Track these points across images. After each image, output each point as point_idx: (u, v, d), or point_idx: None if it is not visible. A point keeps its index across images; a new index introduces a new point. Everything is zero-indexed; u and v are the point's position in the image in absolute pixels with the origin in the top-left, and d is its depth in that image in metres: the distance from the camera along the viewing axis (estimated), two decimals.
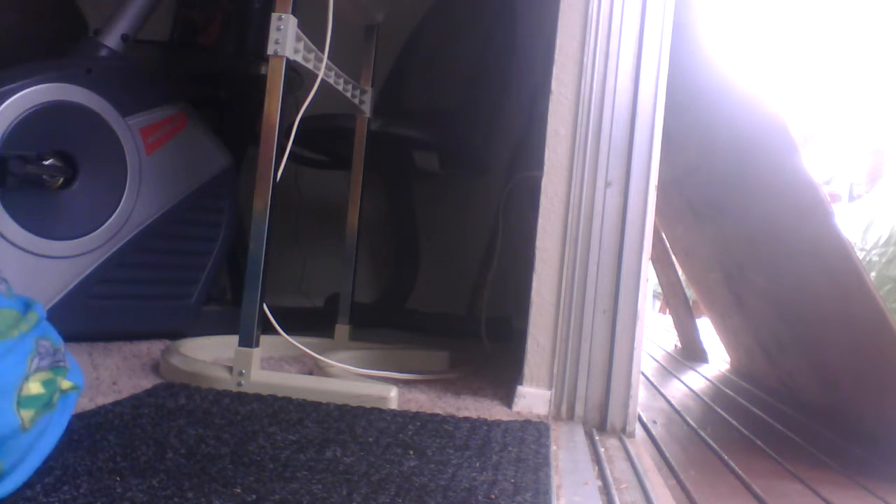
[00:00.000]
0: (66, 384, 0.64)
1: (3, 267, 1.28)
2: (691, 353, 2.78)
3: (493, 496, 0.73)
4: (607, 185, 1.23)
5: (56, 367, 0.64)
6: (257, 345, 1.15)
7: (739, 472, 1.14)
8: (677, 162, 1.93)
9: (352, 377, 1.25)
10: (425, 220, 2.39)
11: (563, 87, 1.26)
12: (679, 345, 2.98)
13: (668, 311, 3.40)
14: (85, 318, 1.43)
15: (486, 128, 2.16)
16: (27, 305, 0.66)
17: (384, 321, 2.09)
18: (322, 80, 1.34)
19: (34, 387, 0.61)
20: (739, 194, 1.80)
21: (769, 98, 1.57)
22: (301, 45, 1.24)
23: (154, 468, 0.71)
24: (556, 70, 1.26)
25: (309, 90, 1.30)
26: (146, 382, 1.12)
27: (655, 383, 1.99)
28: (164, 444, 0.79)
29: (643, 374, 1.77)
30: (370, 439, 0.90)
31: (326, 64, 1.33)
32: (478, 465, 0.83)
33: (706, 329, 2.86)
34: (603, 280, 1.23)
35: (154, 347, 1.43)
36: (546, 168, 1.26)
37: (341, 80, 1.50)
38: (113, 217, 1.46)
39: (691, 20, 1.53)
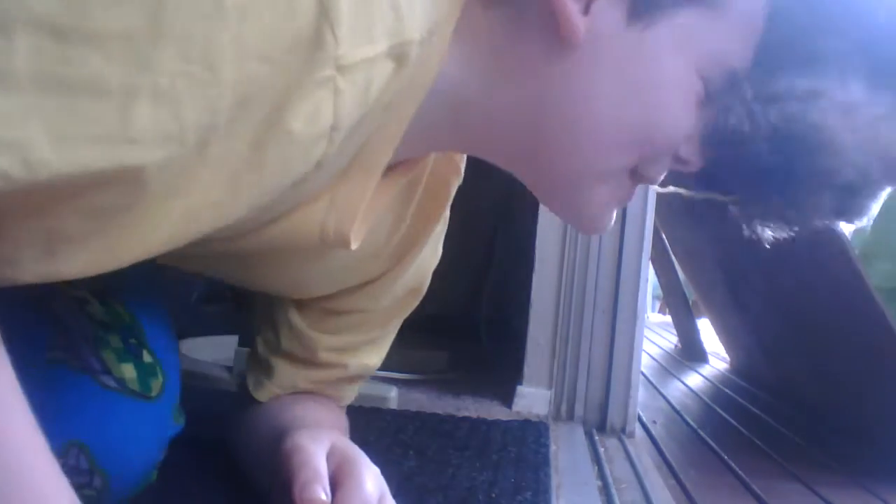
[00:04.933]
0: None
1: None
2: (691, 353, 2.79)
3: (493, 496, 0.73)
4: None
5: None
6: None
7: (739, 472, 1.14)
8: None
9: None
10: None
11: None
12: (679, 345, 2.98)
13: (668, 311, 3.40)
14: None
15: None
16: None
17: None
18: None
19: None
20: None
21: None
22: None
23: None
24: None
25: None
26: None
27: (655, 383, 1.99)
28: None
29: (643, 374, 1.77)
30: (370, 439, 0.90)
31: None
32: (478, 464, 0.83)
33: (706, 329, 2.86)
34: (603, 280, 1.23)
35: None
36: None
37: None
38: None
39: None
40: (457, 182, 0.63)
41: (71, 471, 0.52)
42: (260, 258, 0.56)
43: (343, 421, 0.72)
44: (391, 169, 0.51)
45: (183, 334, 1.48)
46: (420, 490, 0.72)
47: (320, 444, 0.52)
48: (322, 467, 0.50)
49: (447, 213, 0.68)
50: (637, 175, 0.50)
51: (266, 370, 0.69)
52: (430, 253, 0.68)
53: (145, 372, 0.57)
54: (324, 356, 0.67)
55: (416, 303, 0.70)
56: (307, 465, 0.49)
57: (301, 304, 0.66)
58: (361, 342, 0.69)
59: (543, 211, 1.25)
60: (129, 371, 0.56)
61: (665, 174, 0.52)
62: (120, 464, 0.55)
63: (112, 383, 0.55)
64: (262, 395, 0.69)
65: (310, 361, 0.67)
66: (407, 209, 0.61)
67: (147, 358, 0.58)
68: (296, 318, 0.66)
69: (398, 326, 0.72)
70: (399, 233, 0.62)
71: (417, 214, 0.62)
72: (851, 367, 1.48)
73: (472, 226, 2.39)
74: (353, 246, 0.52)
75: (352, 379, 0.72)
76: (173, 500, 0.63)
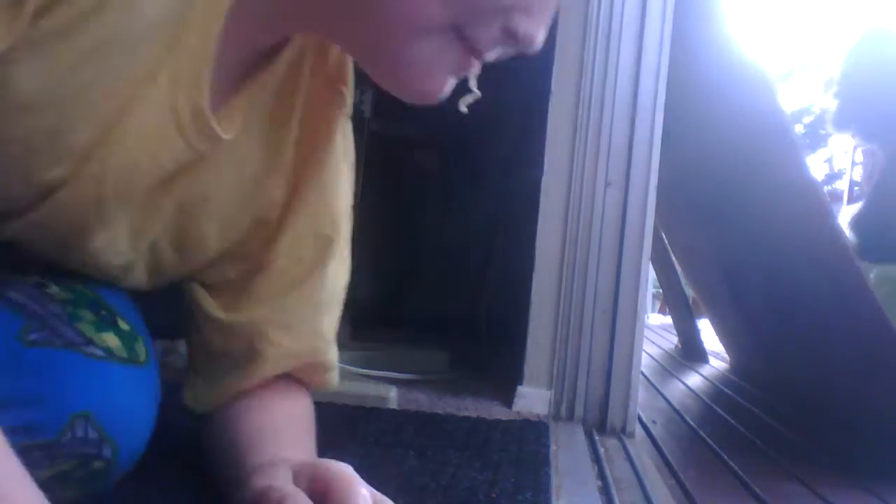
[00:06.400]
0: None
1: None
2: (691, 353, 2.78)
3: (493, 495, 0.73)
4: (607, 185, 1.23)
5: None
6: None
7: (739, 472, 1.14)
8: (677, 162, 1.93)
9: (352, 377, 1.25)
10: (425, 221, 2.39)
11: (563, 86, 1.26)
12: (679, 345, 2.98)
13: (668, 311, 3.40)
14: None
15: (488, 125, 2.16)
16: None
17: (383, 321, 2.09)
18: None
19: None
20: (739, 194, 1.80)
21: (770, 95, 1.57)
22: None
23: (156, 460, 0.71)
24: (555, 70, 1.26)
25: None
26: None
27: (655, 383, 1.99)
28: (161, 441, 0.79)
29: (643, 374, 1.77)
30: (370, 439, 0.90)
31: None
32: (478, 464, 0.83)
33: (706, 329, 2.86)
34: (603, 280, 1.23)
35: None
36: (546, 168, 1.26)
37: None
38: None
39: (691, 20, 1.53)
40: (340, 106, 0.62)
41: (79, 442, 0.52)
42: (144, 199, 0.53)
43: (303, 416, 0.69)
44: (251, 72, 0.53)
45: (177, 334, 1.48)
46: (420, 490, 0.72)
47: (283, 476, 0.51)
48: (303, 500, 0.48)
49: (351, 147, 0.66)
50: (464, 38, 0.47)
51: (209, 386, 0.66)
52: (335, 193, 0.64)
53: (128, 338, 0.56)
54: (273, 336, 0.63)
55: (330, 255, 0.64)
56: None
57: (213, 288, 0.64)
58: (292, 309, 0.65)
59: (543, 211, 1.25)
60: (111, 340, 0.55)
61: (498, 47, 0.49)
62: (126, 430, 0.55)
63: (99, 353, 0.54)
64: (201, 407, 0.66)
65: (251, 352, 0.63)
66: (289, 118, 0.59)
67: (124, 325, 0.57)
68: (215, 310, 0.64)
69: (325, 286, 0.65)
70: (287, 147, 0.60)
71: (306, 137, 0.61)
72: (851, 367, 1.48)
73: (472, 226, 2.39)
74: (224, 133, 0.51)
75: (315, 366, 0.69)
76: (166, 489, 0.63)
